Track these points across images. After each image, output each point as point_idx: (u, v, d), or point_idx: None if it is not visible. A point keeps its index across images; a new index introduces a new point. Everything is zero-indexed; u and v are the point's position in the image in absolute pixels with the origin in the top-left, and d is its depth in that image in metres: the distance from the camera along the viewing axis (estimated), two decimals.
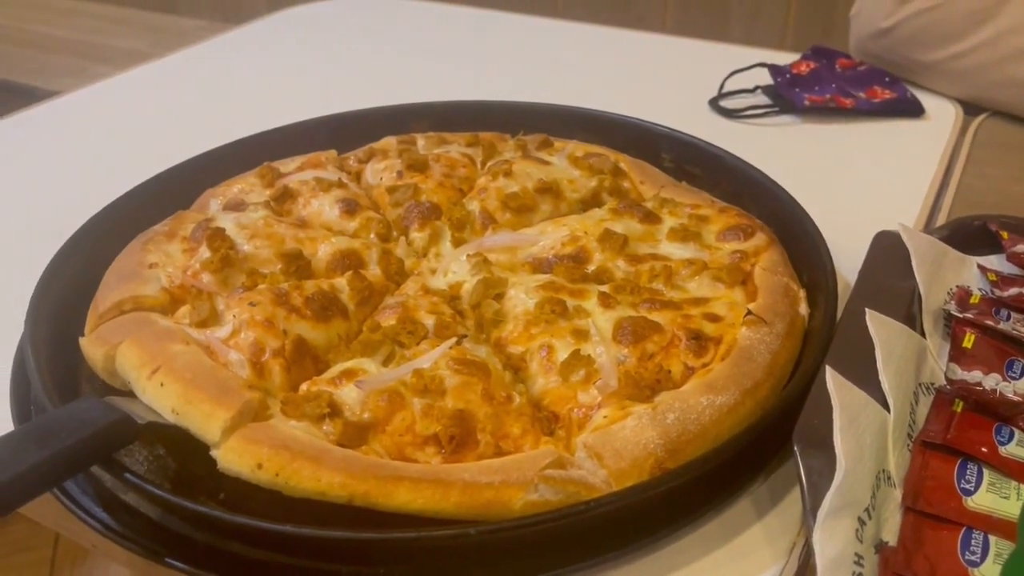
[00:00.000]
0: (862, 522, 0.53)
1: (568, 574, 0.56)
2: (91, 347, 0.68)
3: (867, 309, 0.65)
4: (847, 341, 0.66)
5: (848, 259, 0.79)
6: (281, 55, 1.51)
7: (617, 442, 0.59)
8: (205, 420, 0.59)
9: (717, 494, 0.60)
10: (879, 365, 0.62)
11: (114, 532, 0.58)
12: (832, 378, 0.58)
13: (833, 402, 0.56)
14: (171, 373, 0.62)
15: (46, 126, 1.26)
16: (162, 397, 0.61)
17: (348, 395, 0.62)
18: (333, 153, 0.97)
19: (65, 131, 1.24)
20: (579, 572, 0.56)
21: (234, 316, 0.67)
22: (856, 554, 0.52)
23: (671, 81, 1.33)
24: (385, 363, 0.66)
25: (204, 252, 0.75)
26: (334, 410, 0.61)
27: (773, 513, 0.61)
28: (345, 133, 1.01)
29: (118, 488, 0.61)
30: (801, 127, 1.16)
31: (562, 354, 0.66)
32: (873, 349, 0.64)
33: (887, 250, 0.77)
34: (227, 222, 0.79)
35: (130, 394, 0.65)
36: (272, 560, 0.57)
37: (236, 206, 0.86)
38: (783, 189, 0.86)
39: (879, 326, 0.64)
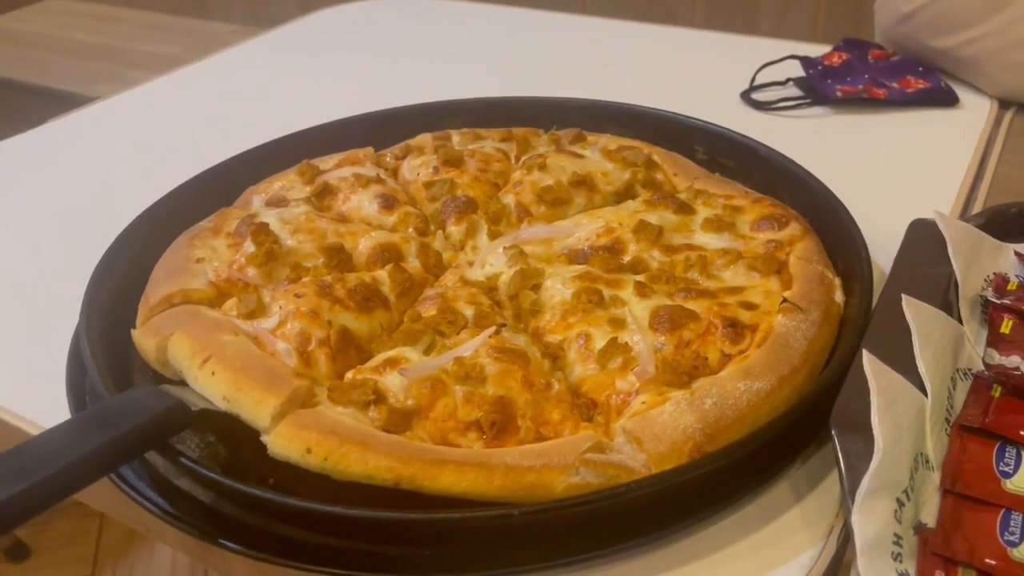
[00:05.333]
0: (900, 503, 0.54)
1: (608, 555, 0.58)
2: (143, 338, 0.71)
3: (903, 295, 0.65)
4: (883, 327, 0.66)
5: (882, 248, 0.80)
6: (314, 57, 1.53)
7: (656, 427, 0.60)
8: (255, 407, 0.61)
9: (755, 478, 0.61)
10: (916, 350, 0.62)
11: (170, 515, 0.61)
12: (869, 361, 0.58)
13: (870, 385, 0.57)
14: (222, 362, 0.64)
15: (90, 129, 1.29)
16: (213, 385, 0.63)
17: (392, 382, 0.63)
18: (370, 150, 0.99)
19: (108, 134, 1.27)
20: (619, 553, 0.58)
21: (280, 307, 0.69)
22: (895, 534, 0.52)
23: (702, 75, 1.33)
24: (427, 352, 0.68)
25: (249, 246, 0.78)
26: (379, 397, 0.62)
27: (811, 496, 0.61)
28: (381, 131, 1.03)
29: (171, 473, 0.63)
30: (833, 118, 1.16)
31: (599, 342, 0.68)
32: (909, 335, 0.64)
33: (923, 238, 0.77)
34: (270, 217, 0.82)
35: (181, 383, 0.67)
36: (321, 542, 0.58)
37: (278, 202, 0.88)
38: (817, 179, 0.86)
39: (915, 312, 0.64)
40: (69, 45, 2.68)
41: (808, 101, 1.18)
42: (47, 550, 2.08)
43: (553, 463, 0.57)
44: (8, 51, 2.68)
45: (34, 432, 0.71)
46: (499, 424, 0.61)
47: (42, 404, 0.72)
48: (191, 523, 0.60)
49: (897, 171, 1.03)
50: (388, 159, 0.98)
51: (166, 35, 2.71)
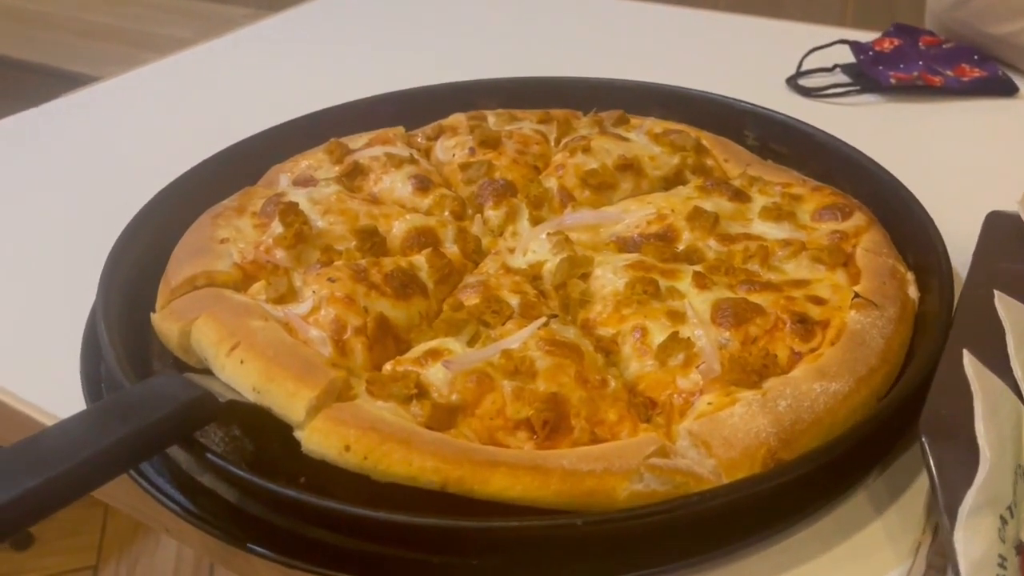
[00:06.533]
0: (1004, 520, 0.49)
1: (672, 571, 0.52)
2: (165, 322, 0.66)
3: (996, 291, 0.60)
4: (968, 326, 0.61)
5: (950, 241, 0.74)
6: (339, 35, 1.48)
7: (726, 430, 0.55)
8: (288, 399, 0.56)
9: (833, 488, 0.56)
10: (1011, 351, 0.57)
11: (193, 516, 0.56)
12: (971, 364, 0.53)
13: (974, 389, 0.52)
14: (252, 349, 0.59)
15: (107, 105, 1.25)
16: (242, 375, 0.58)
17: (435, 375, 0.58)
18: (401, 130, 0.93)
19: (125, 110, 1.23)
20: (685, 569, 0.53)
21: (313, 292, 0.64)
22: (1000, 555, 0.47)
23: (745, 60, 1.28)
24: (470, 343, 0.63)
25: (277, 227, 0.73)
26: (421, 391, 0.57)
27: (893, 509, 0.56)
28: (410, 110, 0.98)
29: (194, 470, 0.58)
30: (887, 106, 1.10)
31: (658, 337, 0.62)
32: (996, 335, 0.59)
33: (1002, 231, 0.72)
34: (299, 197, 0.76)
35: (204, 371, 0.62)
36: (358, 548, 0.53)
37: (306, 182, 0.83)
38: (883, 168, 0.81)
39: (1008, 310, 0.59)
40: (80, 26, 2.65)
41: (857, 88, 1.13)
42: (51, 539, 2.05)
43: (615, 468, 0.52)
44: (19, 31, 2.65)
45: (46, 421, 0.67)
46: (551, 423, 0.56)
47: (55, 391, 0.67)
48: (216, 524, 0.55)
49: (957, 161, 0.98)
50: (419, 139, 0.93)
51: (179, 17, 2.67)
